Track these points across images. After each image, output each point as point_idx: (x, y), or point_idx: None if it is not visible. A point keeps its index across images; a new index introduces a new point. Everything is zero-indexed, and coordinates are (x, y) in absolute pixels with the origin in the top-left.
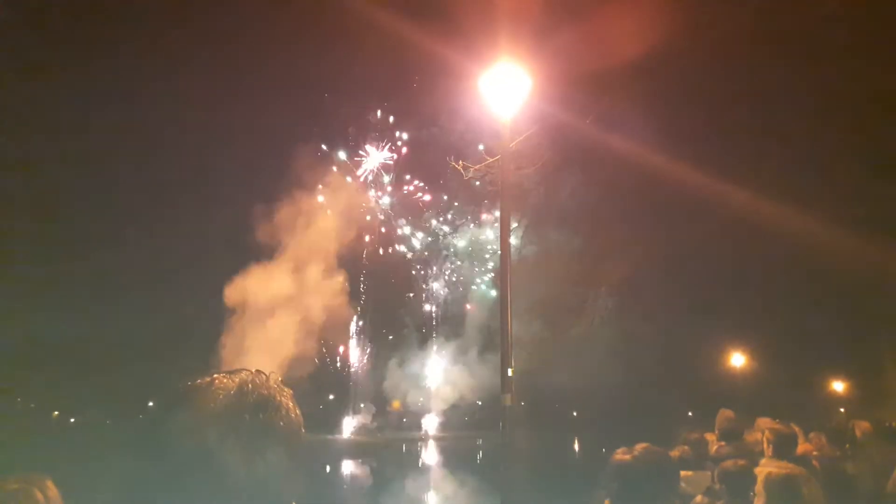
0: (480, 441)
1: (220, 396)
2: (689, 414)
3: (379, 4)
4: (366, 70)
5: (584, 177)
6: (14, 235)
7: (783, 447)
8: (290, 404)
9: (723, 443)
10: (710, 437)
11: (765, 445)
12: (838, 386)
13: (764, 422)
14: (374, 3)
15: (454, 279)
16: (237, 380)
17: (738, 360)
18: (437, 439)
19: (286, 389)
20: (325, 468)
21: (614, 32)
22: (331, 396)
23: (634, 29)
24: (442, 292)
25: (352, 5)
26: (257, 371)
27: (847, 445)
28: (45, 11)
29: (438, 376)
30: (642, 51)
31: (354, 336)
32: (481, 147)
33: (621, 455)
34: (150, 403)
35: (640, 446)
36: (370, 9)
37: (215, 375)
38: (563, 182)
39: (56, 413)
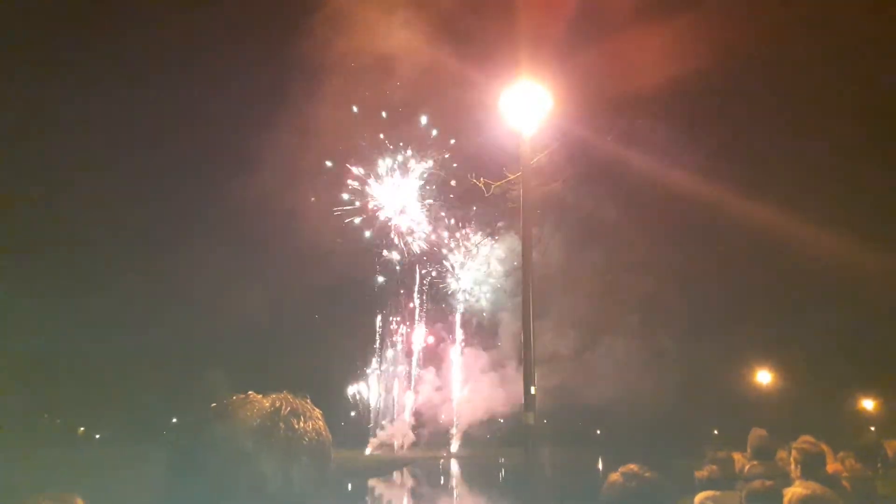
0: (503, 459)
1: (255, 410)
2: (715, 432)
3: (403, 23)
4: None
5: (606, 193)
6: (37, 252)
7: (812, 466)
8: (321, 424)
9: (755, 462)
10: (737, 455)
11: (792, 465)
12: (868, 404)
13: (805, 440)
14: (402, 21)
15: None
16: (270, 398)
17: (764, 377)
18: (460, 457)
19: (317, 410)
20: (346, 486)
21: (635, 53)
22: (352, 413)
23: (655, 49)
24: (474, 305)
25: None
26: (288, 393)
27: (878, 465)
28: None
29: (464, 393)
30: (663, 71)
31: (382, 352)
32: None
33: (614, 477)
34: (174, 420)
35: (630, 468)
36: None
37: (250, 393)
38: (585, 198)
39: (82, 429)
